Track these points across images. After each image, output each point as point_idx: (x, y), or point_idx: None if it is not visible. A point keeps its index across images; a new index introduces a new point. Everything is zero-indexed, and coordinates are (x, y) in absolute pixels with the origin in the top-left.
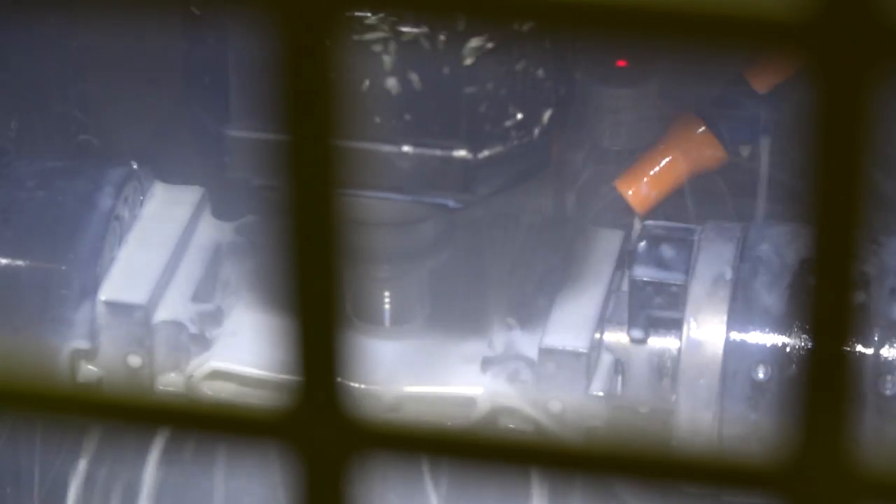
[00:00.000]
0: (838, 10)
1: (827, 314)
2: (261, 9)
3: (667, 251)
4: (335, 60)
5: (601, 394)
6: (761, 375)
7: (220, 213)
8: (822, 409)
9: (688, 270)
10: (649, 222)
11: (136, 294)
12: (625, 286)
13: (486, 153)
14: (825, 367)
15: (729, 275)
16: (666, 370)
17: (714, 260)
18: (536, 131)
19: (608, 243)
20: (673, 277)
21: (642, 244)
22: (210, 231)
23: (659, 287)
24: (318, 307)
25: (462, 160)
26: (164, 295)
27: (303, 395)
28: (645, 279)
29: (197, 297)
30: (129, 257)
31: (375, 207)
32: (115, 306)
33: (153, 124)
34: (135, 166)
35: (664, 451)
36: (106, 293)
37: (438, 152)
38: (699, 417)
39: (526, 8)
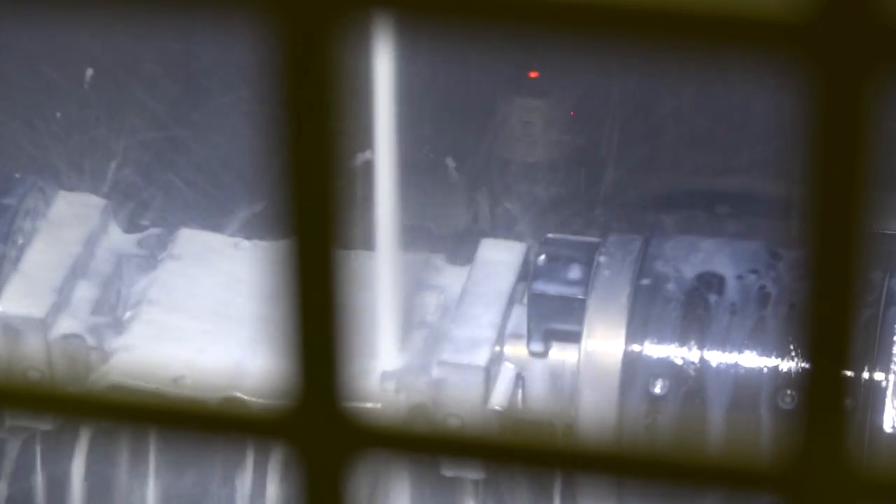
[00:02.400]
0: (838, 10)
1: (825, 327)
2: None
3: (567, 265)
4: None
5: (500, 407)
6: (658, 389)
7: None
8: (821, 417)
9: (587, 284)
10: (551, 235)
11: (34, 307)
12: (525, 299)
13: None
14: (823, 379)
15: (627, 289)
16: (565, 383)
17: (613, 274)
18: None
19: (510, 256)
20: (572, 291)
21: (542, 258)
22: (112, 242)
23: (558, 300)
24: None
25: None
26: (63, 307)
27: (303, 394)
28: (544, 293)
29: (97, 310)
30: (29, 270)
31: None
32: (12, 319)
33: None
34: (35, 177)
35: (666, 452)
36: (3, 306)
37: None
38: (598, 429)
39: (527, 8)
